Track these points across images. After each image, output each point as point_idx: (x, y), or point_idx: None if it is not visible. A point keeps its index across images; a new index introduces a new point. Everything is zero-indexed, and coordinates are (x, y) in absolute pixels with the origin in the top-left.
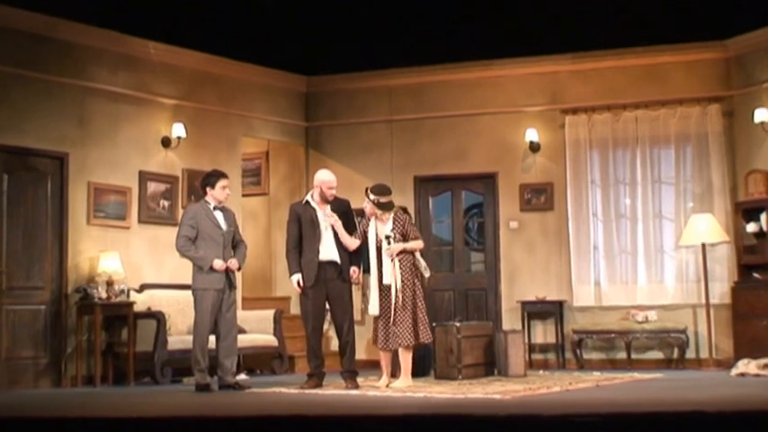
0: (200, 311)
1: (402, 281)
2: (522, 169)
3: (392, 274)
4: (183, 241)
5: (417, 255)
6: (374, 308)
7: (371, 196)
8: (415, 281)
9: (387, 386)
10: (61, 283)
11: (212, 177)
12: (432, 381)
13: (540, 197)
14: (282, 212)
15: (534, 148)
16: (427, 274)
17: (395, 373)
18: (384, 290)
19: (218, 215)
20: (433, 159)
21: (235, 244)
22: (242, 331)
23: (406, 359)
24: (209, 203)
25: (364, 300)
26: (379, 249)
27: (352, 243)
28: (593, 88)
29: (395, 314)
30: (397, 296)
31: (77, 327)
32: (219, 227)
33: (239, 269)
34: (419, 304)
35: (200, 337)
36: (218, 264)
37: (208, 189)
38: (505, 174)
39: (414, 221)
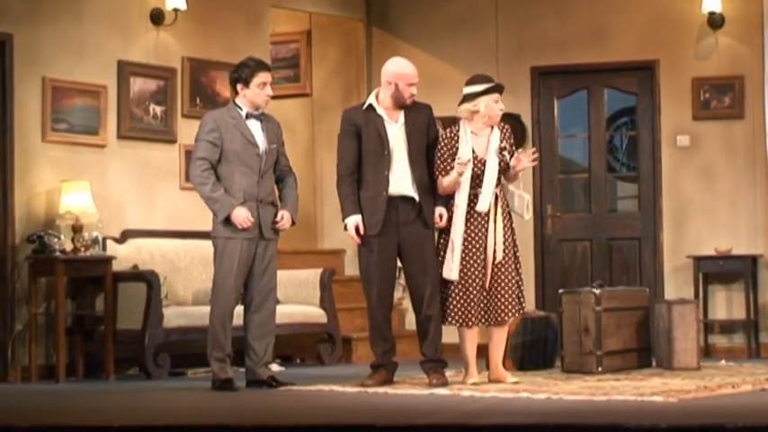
0: (222, 270)
1: (504, 225)
2: (695, 56)
3: (491, 207)
4: (200, 168)
5: (514, 187)
6: (454, 269)
7: (481, 87)
8: (513, 226)
9: (474, 384)
10: (6, 229)
11: (245, 69)
12: (558, 375)
13: (723, 98)
14: (332, 122)
15: (715, 22)
16: (527, 216)
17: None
18: (470, 240)
19: (255, 126)
20: (560, 41)
21: (279, 176)
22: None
23: (504, 338)
24: (241, 109)
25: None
26: (477, 176)
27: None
28: None
29: (494, 273)
30: (495, 248)
31: (30, 294)
32: (255, 144)
33: (293, 224)
34: (518, 260)
35: (220, 309)
36: (241, 216)
37: (239, 87)
38: (670, 63)
39: None
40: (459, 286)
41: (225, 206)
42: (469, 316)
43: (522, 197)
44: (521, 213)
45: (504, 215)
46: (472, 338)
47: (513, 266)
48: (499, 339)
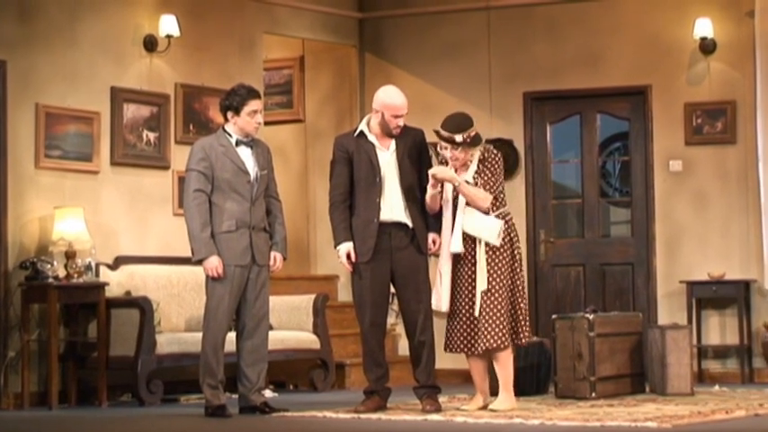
0: (214, 297)
1: (490, 250)
2: (687, 81)
3: (469, 237)
4: (195, 201)
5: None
6: (443, 300)
7: (444, 133)
8: (514, 252)
9: (482, 408)
10: None
11: (236, 97)
12: (551, 400)
13: (715, 123)
14: (325, 148)
15: (707, 47)
16: (496, 241)
17: (495, 389)
18: (460, 268)
19: (245, 153)
20: (553, 67)
21: (266, 205)
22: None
23: (504, 367)
24: (230, 136)
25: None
26: (455, 208)
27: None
28: None
29: (481, 302)
30: (480, 274)
31: (23, 320)
32: (246, 171)
33: (284, 259)
34: (519, 287)
35: (212, 335)
36: (212, 264)
37: (230, 114)
38: (663, 88)
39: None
40: (450, 313)
41: (204, 251)
42: (451, 342)
43: (489, 223)
44: (487, 239)
45: (491, 244)
46: (475, 365)
47: (504, 292)
48: (498, 366)
